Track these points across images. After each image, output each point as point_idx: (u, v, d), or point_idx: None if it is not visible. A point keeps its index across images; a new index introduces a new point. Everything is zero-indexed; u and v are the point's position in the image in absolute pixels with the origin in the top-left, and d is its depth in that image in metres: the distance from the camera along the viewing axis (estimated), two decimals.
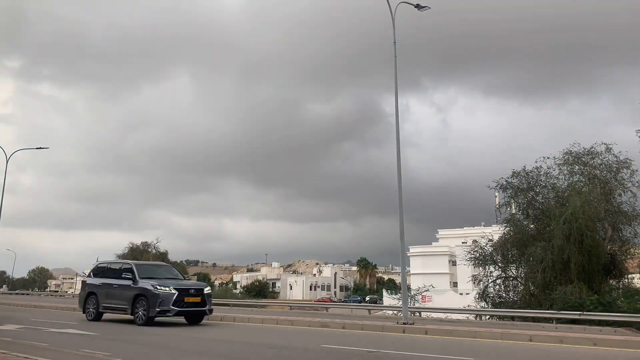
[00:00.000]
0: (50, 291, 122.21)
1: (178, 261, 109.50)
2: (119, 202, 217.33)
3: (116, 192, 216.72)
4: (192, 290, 16.30)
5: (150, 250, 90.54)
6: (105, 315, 18.58)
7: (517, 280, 30.93)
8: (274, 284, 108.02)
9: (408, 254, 72.24)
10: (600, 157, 30.26)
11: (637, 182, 29.37)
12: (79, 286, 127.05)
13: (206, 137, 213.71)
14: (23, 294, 74.07)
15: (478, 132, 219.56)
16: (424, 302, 43.24)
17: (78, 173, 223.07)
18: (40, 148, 43.20)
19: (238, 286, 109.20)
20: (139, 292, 16.05)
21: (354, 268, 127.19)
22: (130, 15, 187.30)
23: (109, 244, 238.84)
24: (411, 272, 70.10)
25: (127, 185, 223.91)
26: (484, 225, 61.66)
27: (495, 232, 36.44)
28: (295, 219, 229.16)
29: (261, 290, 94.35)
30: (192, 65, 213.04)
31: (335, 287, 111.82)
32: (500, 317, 27.58)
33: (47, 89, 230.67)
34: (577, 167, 30.49)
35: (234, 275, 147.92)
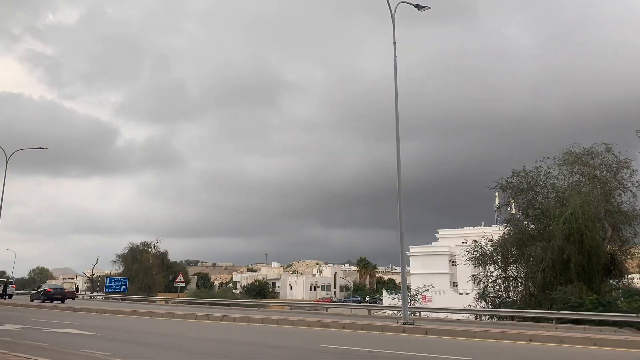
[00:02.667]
0: None
1: (178, 261, 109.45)
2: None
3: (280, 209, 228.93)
4: None
5: (150, 250, 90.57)
6: None
7: (517, 280, 30.91)
8: (274, 284, 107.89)
9: (408, 254, 72.16)
10: (600, 157, 30.22)
11: (637, 182, 29.35)
12: (79, 286, 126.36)
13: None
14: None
15: None
16: (424, 302, 43.17)
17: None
18: (39, 148, 43.12)
19: (238, 286, 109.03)
20: None
21: (354, 268, 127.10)
22: None
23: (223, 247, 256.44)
24: (411, 272, 70.00)
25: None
26: (484, 225, 61.62)
27: (495, 232, 36.40)
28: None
29: (261, 290, 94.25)
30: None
31: (335, 287, 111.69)
32: (500, 317, 27.57)
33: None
34: (577, 167, 30.46)
35: (234, 275, 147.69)
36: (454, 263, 70.26)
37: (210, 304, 41.57)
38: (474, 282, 33.34)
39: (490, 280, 31.79)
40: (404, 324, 17.29)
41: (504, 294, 31.01)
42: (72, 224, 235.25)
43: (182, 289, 69.32)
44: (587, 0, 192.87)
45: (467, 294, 47.21)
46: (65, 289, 46.08)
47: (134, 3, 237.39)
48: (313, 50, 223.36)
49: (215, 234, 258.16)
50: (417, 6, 20.60)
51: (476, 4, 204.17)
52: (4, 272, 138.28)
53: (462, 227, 78.37)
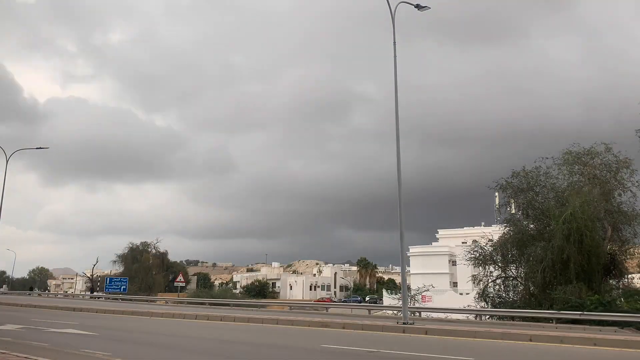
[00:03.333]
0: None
1: (178, 261, 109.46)
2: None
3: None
4: None
5: (149, 250, 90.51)
6: None
7: (517, 280, 30.90)
8: (274, 284, 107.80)
9: (408, 254, 72.14)
10: (599, 157, 30.23)
11: (636, 182, 29.35)
12: (79, 286, 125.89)
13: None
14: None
15: None
16: (424, 302, 43.12)
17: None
18: (40, 148, 43.18)
19: (238, 286, 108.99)
20: None
21: (354, 268, 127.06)
22: None
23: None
24: (411, 272, 69.99)
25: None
26: (484, 225, 61.65)
27: (495, 232, 36.39)
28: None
29: (261, 290, 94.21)
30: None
31: (335, 287, 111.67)
32: (500, 317, 27.55)
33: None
34: (576, 167, 30.46)
35: (234, 275, 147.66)
36: (454, 263, 70.24)
37: (210, 304, 41.54)
38: (474, 282, 33.35)
39: (490, 280, 31.78)
40: (404, 324, 17.29)
41: (504, 294, 31.00)
42: (106, 224, 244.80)
43: (182, 289, 69.29)
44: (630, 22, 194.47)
45: (467, 294, 47.21)
46: None
47: (186, 24, 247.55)
48: (372, 65, 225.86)
49: (250, 236, 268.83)
50: (417, 6, 20.59)
51: (526, 26, 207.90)
52: (3, 272, 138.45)
53: (462, 227, 78.40)
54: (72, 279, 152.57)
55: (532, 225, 30.72)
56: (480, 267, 32.08)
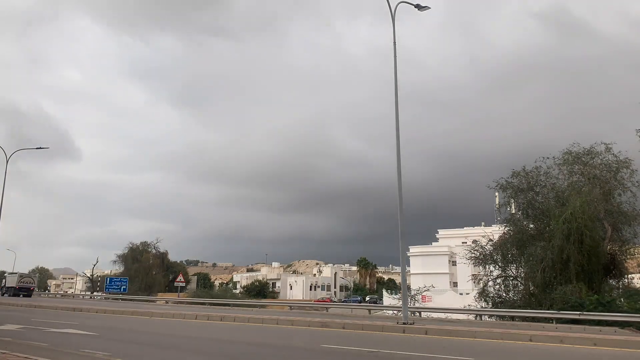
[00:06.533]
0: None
1: (178, 261, 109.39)
2: None
3: None
4: None
5: (150, 250, 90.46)
6: None
7: (517, 280, 30.89)
8: (274, 284, 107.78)
9: (408, 254, 72.14)
10: (600, 157, 30.22)
11: (636, 182, 29.33)
12: (79, 286, 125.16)
13: None
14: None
15: None
16: (424, 302, 43.15)
17: None
18: (40, 148, 43.23)
19: (238, 286, 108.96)
20: None
21: (354, 268, 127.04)
22: None
23: None
24: (411, 272, 70.02)
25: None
26: (484, 225, 61.66)
27: (495, 231, 36.41)
28: None
29: (261, 290, 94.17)
30: None
31: (335, 287, 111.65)
32: (500, 317, 27.57)
33: None
34: (576, 167, 30.46)
35: (234, 275, 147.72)
36: (454, 263, 70.25)
37: (211, 304, 41.52)
38: (474, 282, 33.36)
39: (490, 280, 31.77)
40: (404, 324, 17.29)
41: (504, 294, 31.00)
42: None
43: (182, 289, 69.25)
44: None
45: (467, 294, 47.20)
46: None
47: None
48: None
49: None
50: (417, 6, 20.60)
51: None
52: (3, 272, 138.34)
53: (462, 227, 78.40)
54: (72, 279, 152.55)
55: (532, 225, 30.72)
56: (481, 267, 32.08)
